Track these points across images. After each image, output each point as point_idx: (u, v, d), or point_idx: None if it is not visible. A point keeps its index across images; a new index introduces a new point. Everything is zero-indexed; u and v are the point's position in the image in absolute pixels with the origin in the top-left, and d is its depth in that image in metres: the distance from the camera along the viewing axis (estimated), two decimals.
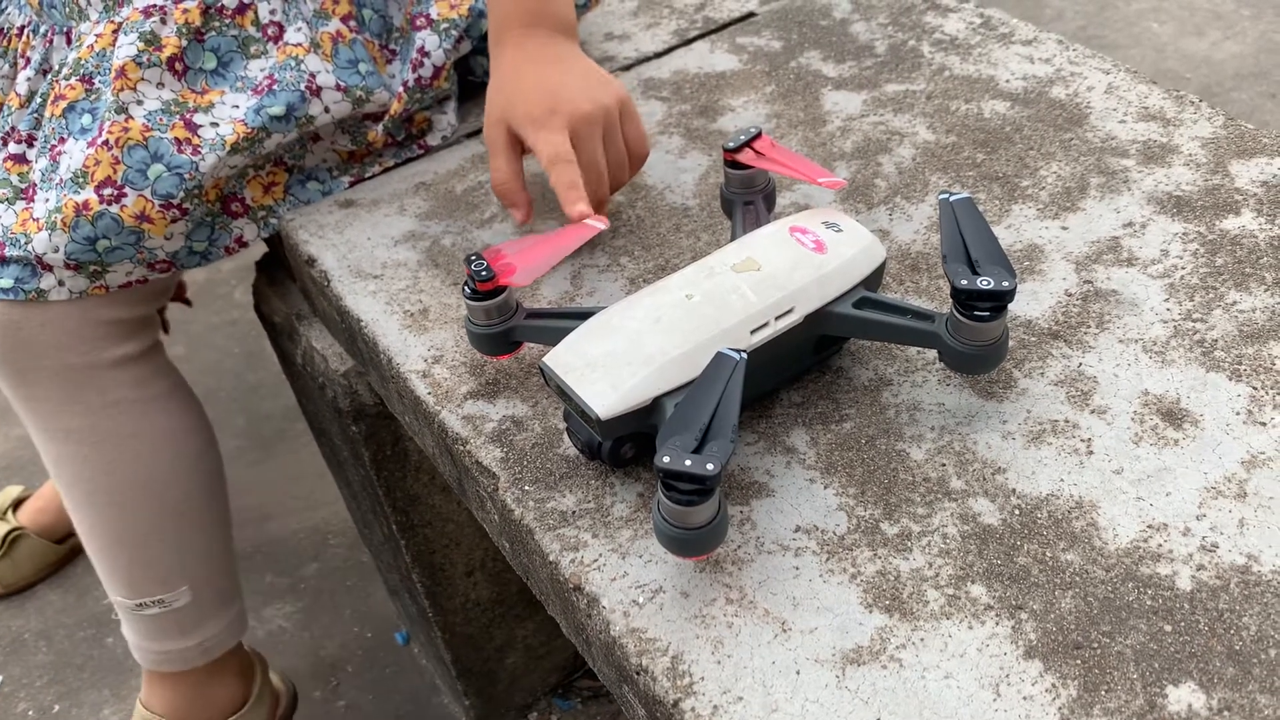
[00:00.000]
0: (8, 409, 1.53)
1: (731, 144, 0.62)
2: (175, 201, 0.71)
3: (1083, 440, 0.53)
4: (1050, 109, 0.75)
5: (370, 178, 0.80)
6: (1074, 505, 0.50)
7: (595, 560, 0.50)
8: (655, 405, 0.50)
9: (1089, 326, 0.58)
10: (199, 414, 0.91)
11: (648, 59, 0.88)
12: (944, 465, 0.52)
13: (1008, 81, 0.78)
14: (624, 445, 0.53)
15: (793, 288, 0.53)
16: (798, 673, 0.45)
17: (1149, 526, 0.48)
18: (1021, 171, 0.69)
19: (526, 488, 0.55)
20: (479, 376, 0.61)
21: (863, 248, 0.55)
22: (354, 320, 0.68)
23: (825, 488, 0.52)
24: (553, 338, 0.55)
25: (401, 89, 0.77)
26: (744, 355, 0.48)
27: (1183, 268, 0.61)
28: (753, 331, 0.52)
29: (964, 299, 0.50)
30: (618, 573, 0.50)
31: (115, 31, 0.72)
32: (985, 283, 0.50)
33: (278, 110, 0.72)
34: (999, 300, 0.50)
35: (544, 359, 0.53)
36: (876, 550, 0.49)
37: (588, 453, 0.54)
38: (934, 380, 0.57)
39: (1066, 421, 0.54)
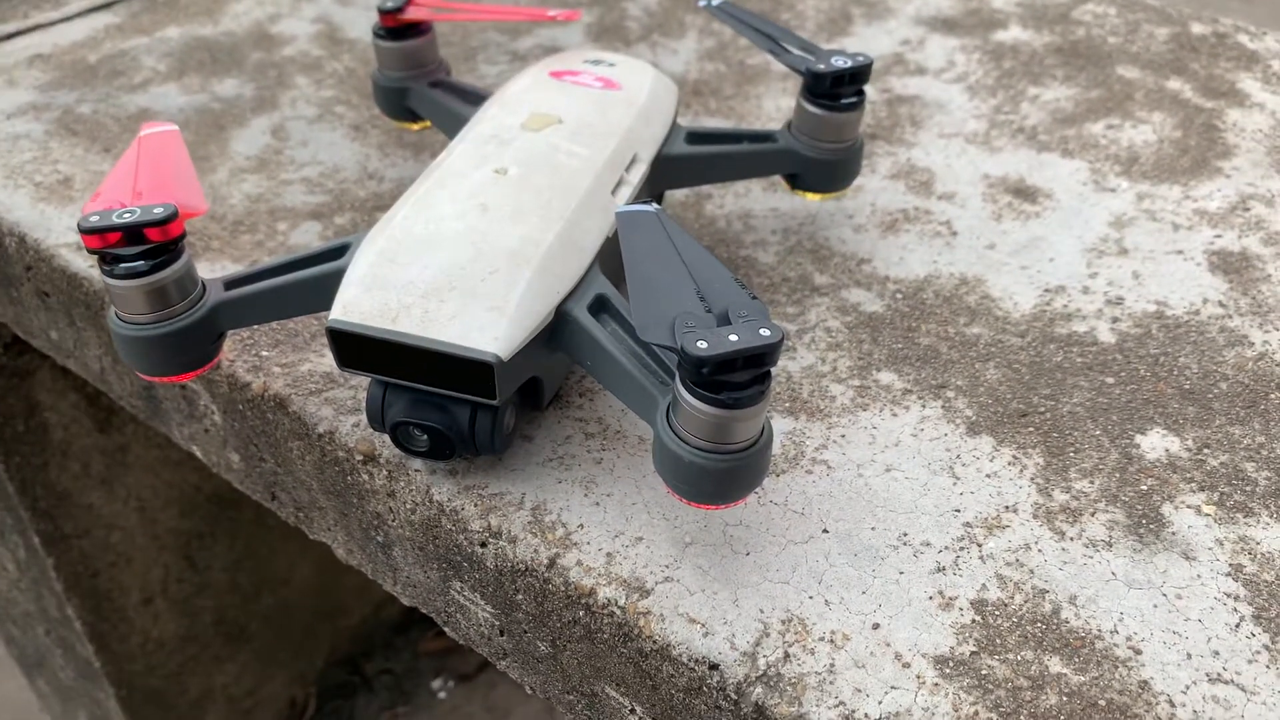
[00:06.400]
0: None
1: (389, 3, 0.44)
2: None
3: (941, 223, 0.45)
4: None
5: None
6: (959, 282, 0.42)
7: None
8: (561, 320, 0.33)
9: (904, 127, 0.52)
10: None
11: None
12: (800, 264, 0.43)
13: None
14: (508, 411, 0.34)
15: (621, 131, 0.38)
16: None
17: (1046, 290, 0.41)
18: (778, 7, 0.62)
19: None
20: None
21: (652, 77, 0.42)
22: None
23: None
24: (300, 305, 0.35)
25: None
26: (654, 205, 0.33)
27: (974, 73, 0.56)
28: (612, 192, 0.37)
29: (825, 84, 0.40)
30: None
31: None
32: (840, 61, 0.40)
33: None
34: (859, 79, 0.40)
35: (334, 317, 0.31)
36: None
37: (438, 452, 0.33)
38: (757, 189, 0.47)
39: (917, 209, 0.46)
